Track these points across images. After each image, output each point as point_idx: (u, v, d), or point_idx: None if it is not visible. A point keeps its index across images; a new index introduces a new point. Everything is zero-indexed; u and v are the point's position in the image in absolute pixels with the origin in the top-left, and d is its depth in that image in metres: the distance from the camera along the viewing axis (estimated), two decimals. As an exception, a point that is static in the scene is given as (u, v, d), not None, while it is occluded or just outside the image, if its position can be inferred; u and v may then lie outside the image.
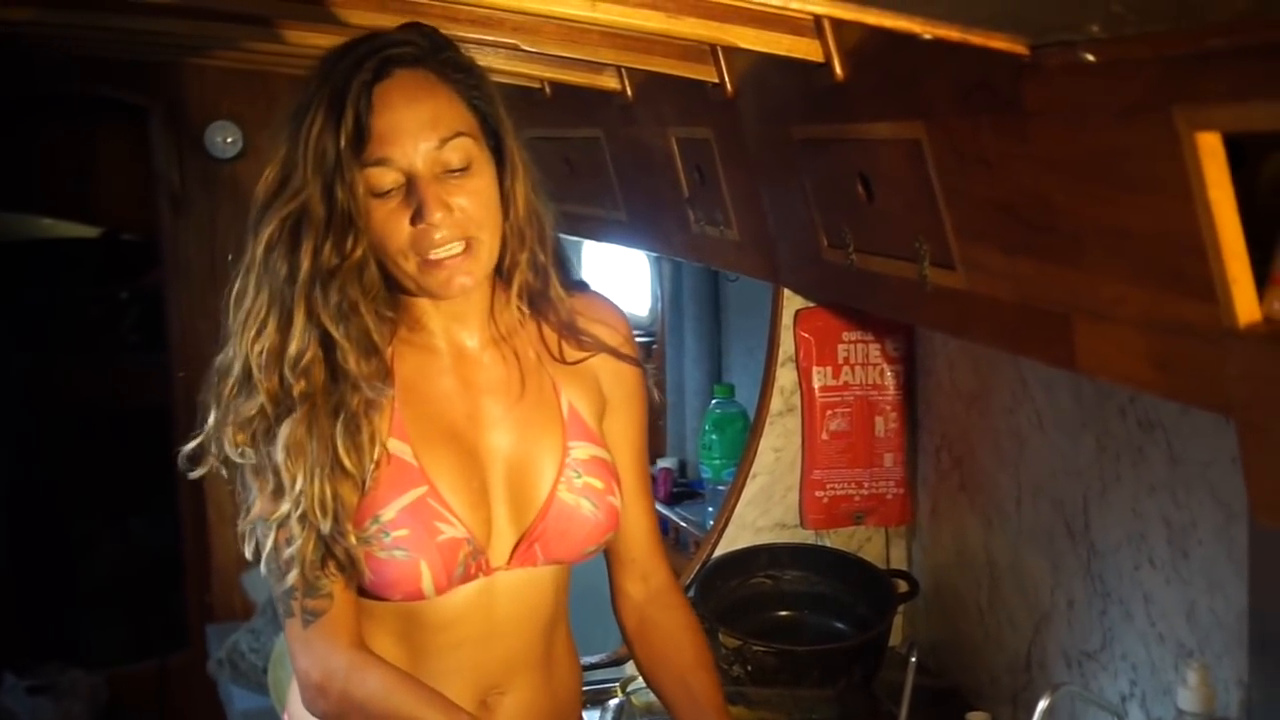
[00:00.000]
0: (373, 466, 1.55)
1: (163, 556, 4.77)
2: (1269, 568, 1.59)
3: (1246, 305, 1.10)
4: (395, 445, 1.58)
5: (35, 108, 4.76)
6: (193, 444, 1.58)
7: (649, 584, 1.81)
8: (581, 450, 1.67)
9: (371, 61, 1.52)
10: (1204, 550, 1.73)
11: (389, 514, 1.55)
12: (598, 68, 2.43)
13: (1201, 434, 1.71)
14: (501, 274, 1.65)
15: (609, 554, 1.79)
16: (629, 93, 2.49)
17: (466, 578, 1.60)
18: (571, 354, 1.70)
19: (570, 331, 1.70)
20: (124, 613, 5.15)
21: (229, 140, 4.22)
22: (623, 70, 2.44)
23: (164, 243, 4.40)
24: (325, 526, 1.51)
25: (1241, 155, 1.10)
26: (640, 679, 2.38)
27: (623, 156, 2.79)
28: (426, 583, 1.57)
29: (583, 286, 1.77)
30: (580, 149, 2.94)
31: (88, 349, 5.38)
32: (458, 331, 1.65)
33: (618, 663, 2.43)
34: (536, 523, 1.63)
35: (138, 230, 5.16)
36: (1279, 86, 0.98)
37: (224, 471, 1.57)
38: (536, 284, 1.66)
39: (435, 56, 1.57)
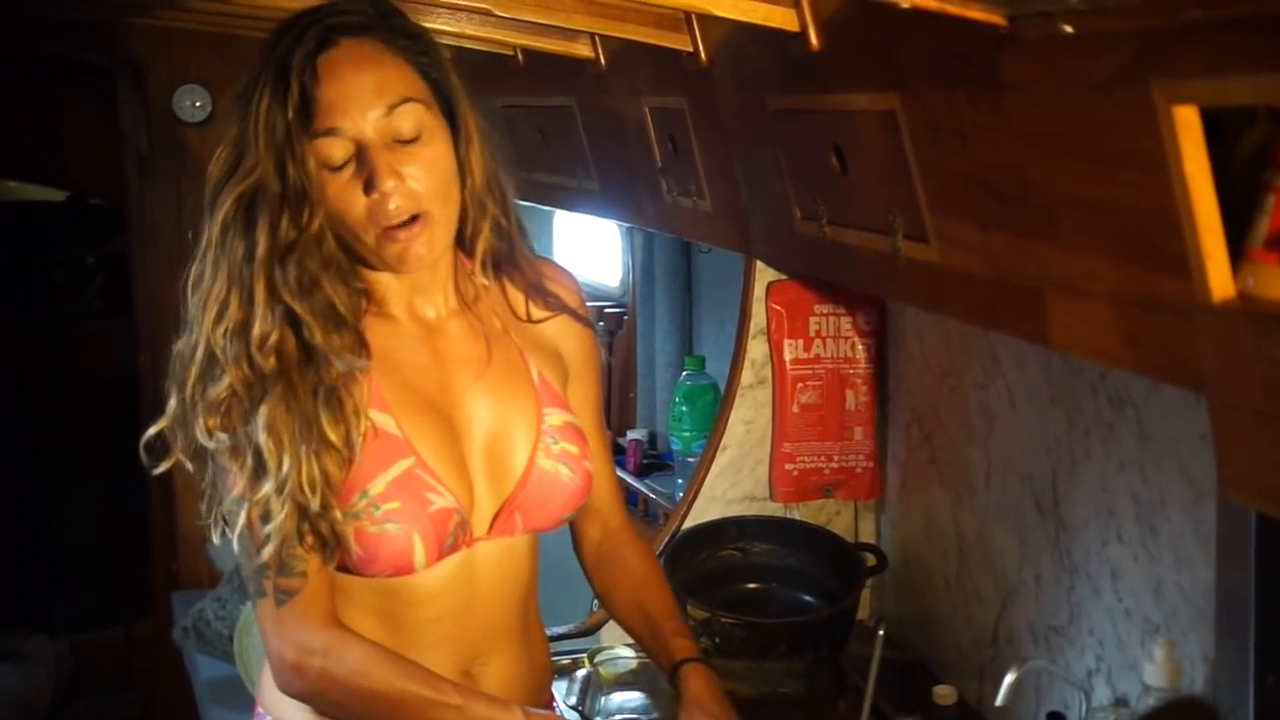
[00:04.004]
0: (359, 439, 1.52)
1: (128, 523, 4.73)
2: (1236, 545, 1.60)
3: (1221, 281, 1.09)
4: (377, 417, 1.56)
5: (2, 70, 4.69)
6: (154, 430, 1.55)
7: (608, 526, 1.85)
8: (556, 417, 1.67)
9: (315, 30, 1.50)
10: (1172, 527, 1.74)
11: (377, 487, 1.53)
12: (571, 35, 2.41)
13: (1171, 411, 1.71)
14: (464, 244, 1.65)
15: None
16: (602, 61, 2.47)
17: (454, 548, 1.59)
18: (537, 313, 1.71)
19: (537, 292, 1.71)
20: (90, 580, 5.11)
21: (197, 104, 4.17)
22: (596, 38, 2.41)
23: (131, 207, 4.35)
24: (314, 505, 1.48)
25: (1218, 129, 1.09)
26: (607, 650, 2.39)
27: (595, 125, 2.77)
28: (418, 555, 1.55)
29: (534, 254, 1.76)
30: (553, 117, 2.92)
31: (53, 314, 5.33)
32: (421, 305, 1.64)
33: (585, 634, 2.43)
34: (516, 491, 1.63)
35: (105, 195, 5.10)
36: (1257, 60, 0.97)
37: (189, 465, 1.54)
38: (503, 249, 1.66)
39: (382, 24, 1.55)
